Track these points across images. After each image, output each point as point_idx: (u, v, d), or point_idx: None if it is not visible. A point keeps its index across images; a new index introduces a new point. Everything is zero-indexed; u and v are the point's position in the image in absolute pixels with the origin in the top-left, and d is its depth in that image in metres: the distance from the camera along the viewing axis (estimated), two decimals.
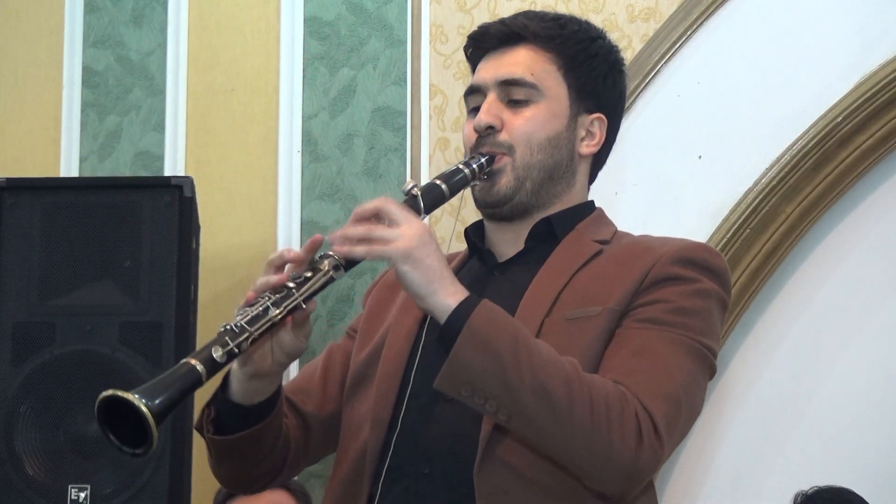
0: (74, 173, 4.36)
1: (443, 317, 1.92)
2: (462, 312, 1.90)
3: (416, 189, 2.05)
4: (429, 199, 2.06)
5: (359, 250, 1.92)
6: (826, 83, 4.16)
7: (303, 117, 4.37)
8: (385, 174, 4.31)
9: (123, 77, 4.44)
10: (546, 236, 2.17)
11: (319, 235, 1.99)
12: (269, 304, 1.92)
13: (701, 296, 2.06)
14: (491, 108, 2.16)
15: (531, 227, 2.18)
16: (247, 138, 4.38)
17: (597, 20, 4.25)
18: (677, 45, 4.21)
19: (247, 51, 4.42)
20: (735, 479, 4.30)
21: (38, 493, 3.39)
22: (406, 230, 1.92)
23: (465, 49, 2.25)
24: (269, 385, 2.07)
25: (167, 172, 4.32)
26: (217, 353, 1.87)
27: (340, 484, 2.11)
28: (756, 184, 4.16)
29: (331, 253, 1.95)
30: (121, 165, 4.38)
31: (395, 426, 2.05)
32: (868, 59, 4.16)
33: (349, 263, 1.95)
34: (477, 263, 2.22)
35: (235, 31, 4.43)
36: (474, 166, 2.13)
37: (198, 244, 3.75)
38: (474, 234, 2.24)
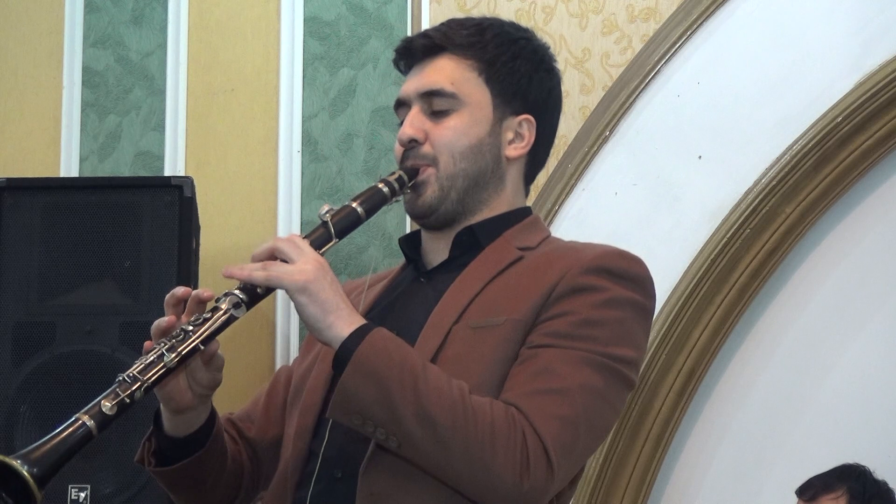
0: (74, 173, 4.36)
1: (336, 347, 1.95)
2: (352, 343, 1.93)
3: (327, 215, 2.10)
4: (341, 225, 2.11)
5: (257, 275, 1.95)
6: (826, 83, 4.16)
7: (303, 117, 4.37)
8: (385, 174, 4.30)
9: (123, 77, 4.44)
10: (471, 245, 2.17)
11: (209, 292, 1.99)
12: (164, 350, 1.93)
13: (612, 305, 2.04)
14: (413, 120, 2.18)
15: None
16: (247, 138, 4.38)
17: (596, 20, 4.30)
18: (677, 46, 4.21)
19: (247, 51, 4.42)
20: (735, 479, 4.30)
21: None
22: (302, 265, 1.95)
23: (394, 63, 2.26)
24: (199, 416, 2.09)
25: (167, 172, 4.32)
26: (106, 407, 1.88)
27: (271, 493, 2.15)
28: (756, 184, 4.15)
29: (233, 291, 1.97)
30: (121, 165, 4.38)
31: (318, 434, 2.08)
32: (868, 59, 4.16)
33: (251, 301, 1.97)
34: (411, 272, 2.24)
35: (235, 31, 4.43)
36: (393, 182, 2.18)
37: (198, 244, 3.75)
38: (408, 243, 2.26)
